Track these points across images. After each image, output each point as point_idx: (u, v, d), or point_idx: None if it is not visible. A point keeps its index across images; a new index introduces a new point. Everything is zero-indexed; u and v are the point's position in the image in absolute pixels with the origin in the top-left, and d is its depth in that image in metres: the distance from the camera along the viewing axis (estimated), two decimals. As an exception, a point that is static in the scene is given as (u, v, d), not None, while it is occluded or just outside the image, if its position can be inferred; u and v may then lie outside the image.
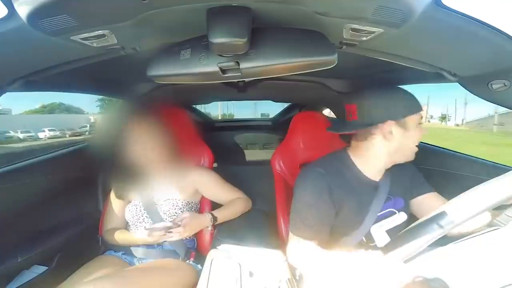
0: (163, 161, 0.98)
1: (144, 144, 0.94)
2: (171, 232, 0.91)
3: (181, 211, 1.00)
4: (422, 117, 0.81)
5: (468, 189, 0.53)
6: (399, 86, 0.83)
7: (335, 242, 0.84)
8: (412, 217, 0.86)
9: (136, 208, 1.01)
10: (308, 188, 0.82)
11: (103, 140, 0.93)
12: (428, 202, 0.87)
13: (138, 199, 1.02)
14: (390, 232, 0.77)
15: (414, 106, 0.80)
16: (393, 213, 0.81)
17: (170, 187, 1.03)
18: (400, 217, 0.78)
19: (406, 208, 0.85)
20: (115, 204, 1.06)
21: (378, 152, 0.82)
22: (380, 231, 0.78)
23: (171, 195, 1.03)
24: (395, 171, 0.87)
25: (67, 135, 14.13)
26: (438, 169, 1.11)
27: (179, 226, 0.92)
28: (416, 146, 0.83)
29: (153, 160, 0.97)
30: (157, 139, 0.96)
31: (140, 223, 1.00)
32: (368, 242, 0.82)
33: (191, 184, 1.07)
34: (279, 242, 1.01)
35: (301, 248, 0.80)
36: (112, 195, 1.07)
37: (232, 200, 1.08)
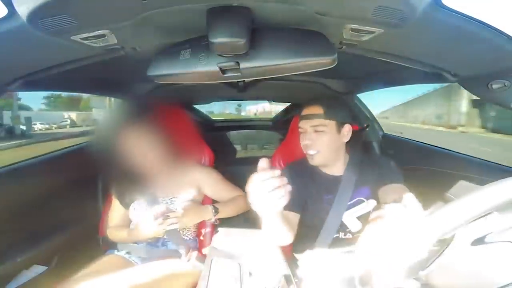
0: (165, 160, 0.98)
1: (146, 144, 0.94)
2: (168, 218, 0.92)
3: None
4: (299, 128, 0.95)
5: (467, 189, 0.53)
6: (399, 86, 0.83)
7: (319, 227, 0.93)
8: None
9: (140, 207, 1.01)
10: None
11: (104, 141, 0.93)
12: (386, 193, 0.88)
13: (141, 199, 1.02)
14: (361, 218, 0.90)
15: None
16: (362, 201, 0.92)
17: (172, 186, 1.04)
18: (369, 205, 0.90)
19: (375, 195, 0.91)
20: (118, 204, 1.06)
21: None
22: (351, 219, 0.91)
23: (173, 194, 1.03)
24: (364, 164, 0.97)
25: (54, 128, 17.03)
26: (438, 169, 1.11)
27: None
28: (305, 152, 0.94)
29: (155, 160, 0.97)
30: (158, 139, 0.96)
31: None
32: (344, 228, 0.93)
33: (193, 182, 1.07)
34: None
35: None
36: (115, 195, 1.07)
37: (233, 197, 1.09)
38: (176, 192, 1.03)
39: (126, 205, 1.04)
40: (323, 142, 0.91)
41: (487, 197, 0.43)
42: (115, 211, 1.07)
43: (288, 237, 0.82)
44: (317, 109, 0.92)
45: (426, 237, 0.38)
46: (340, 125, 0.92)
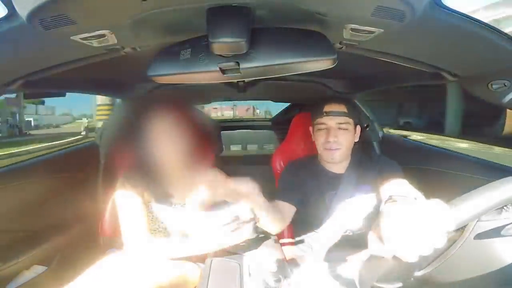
0: (183, 162, 0.97)
1: (167, 144, 0.93)
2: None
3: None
4: (320, 124, 0.96)
5: (467, 189, 0.52)
6: (398, 86, 0.83)
7: (320, 225, 0.96)
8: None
9: (165, 211, 0.98)
10: (281, 176, 1.06)
11: (116, 137, 0.92)
12: (387, 186, 0.89)
13: (156, 202, 0.98)
14: (362, 216, 0.91)
15: (313, 115, 0.99)
16: (363, 199, 0.93)
17: (189, 189, 1.02)
18: (370, 202, 0.92)
19: (376, 193, 0.93)
20: (133, 208, 0.94)
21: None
22: (351, 216, 0.93)
23: (190, 197, 1.02)
24: (364, 163, 0.99)
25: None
26: (438, 169, 1.11)
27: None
28: (326, 148, 0.95)
29: (175, 161, 0.97)
30: (179, 140, 0.95)
31: (171, 228, 0.97)
32: (345, 225, 0.94)
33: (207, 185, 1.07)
34: (279, 242, 1.01)
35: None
36: (128, 199, 0.94)
37: None
38: (193, 195, 1.02)
39: (144, 206, 0.96)
40: (346, 140, 0.94)
41: (503, 191, 0.43)
42: (132, 219, 0.92)
43: (278, 227, 0.83)
44: (342, 107, 0.94)
45: (442, 228, 0.37)
46: (355, 125, 0.97)
